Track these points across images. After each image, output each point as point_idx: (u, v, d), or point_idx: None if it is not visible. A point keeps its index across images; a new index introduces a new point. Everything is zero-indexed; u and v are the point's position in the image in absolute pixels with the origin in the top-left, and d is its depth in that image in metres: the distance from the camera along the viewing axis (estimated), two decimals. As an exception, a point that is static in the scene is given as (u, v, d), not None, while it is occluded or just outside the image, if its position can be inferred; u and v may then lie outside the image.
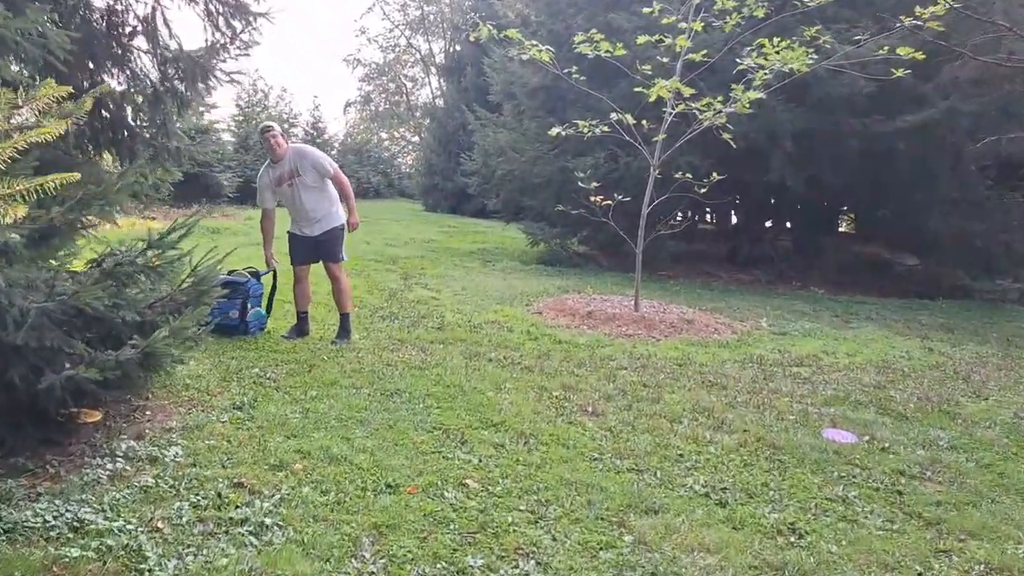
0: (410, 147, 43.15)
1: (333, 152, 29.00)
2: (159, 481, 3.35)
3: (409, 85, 43.03)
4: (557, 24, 12.67)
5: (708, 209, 16.13)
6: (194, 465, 3.55)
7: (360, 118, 43.86)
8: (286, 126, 26.16)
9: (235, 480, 3.42)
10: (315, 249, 6.25)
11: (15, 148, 2.68)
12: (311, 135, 27.70)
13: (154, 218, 14.21)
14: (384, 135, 43.42)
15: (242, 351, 5.65)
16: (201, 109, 18.63)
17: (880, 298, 11.40)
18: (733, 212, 16.27)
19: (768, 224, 14.92)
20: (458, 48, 28.50)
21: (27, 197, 3.45)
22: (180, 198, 17.08)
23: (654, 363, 6.30)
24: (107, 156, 4.73)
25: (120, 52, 4.26)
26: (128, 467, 3.44)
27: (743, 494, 3.78)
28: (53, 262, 4.17)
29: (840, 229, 17.59)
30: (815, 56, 7.44)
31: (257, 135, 6.10)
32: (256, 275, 6.37)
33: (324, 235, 6.20)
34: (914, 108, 10.34)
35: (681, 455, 4.25)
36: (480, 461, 3.90)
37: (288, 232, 6.36)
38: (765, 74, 7.31)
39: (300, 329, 6.33)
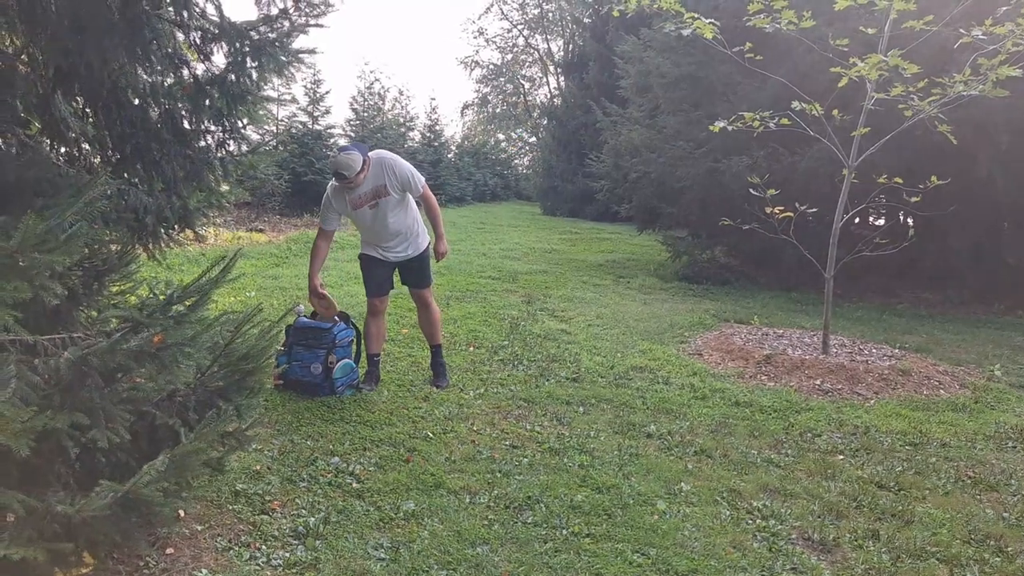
0: (527, 148, 41.96)
1: (450, 155, 28.01)
2: None
3: (526, 85, 41.81)
4: (703, 3, 10.89)
5: (874, 212, 13.88)
6: None
7: (477, 120, 43.00)
8: (403, 130, 25.28)
9: None
10: (399, 274, 5.11)
11: None
12: (428, 138, 26.75)
13: (261, 230, 13.35)
14: (501, 136, 42.41)
15: (323, 423, 4.29)
16: (299, 109, 17.94)
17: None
18: (902, 214, 13.94)
19: (953, 233, 12.55)
20: (580, 43, 26.91)
21: None
22: (291, 206, 16.33)
23: (877, 442, 4.55)
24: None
25: (136, 23, 2.97)
26: None
27: None
28: (101, 299, 2.95)
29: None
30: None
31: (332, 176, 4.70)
32: (346, 318, 5.02)
33: (413, 260, 5.01)
34: None
35: (1004, 657, 2.56)
36: None
37: (362, 255, 5.04)
38: (1017, 43, 5.38)
39: (376, 376, 5.07)
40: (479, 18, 55.65)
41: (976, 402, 5.48)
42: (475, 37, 53.27)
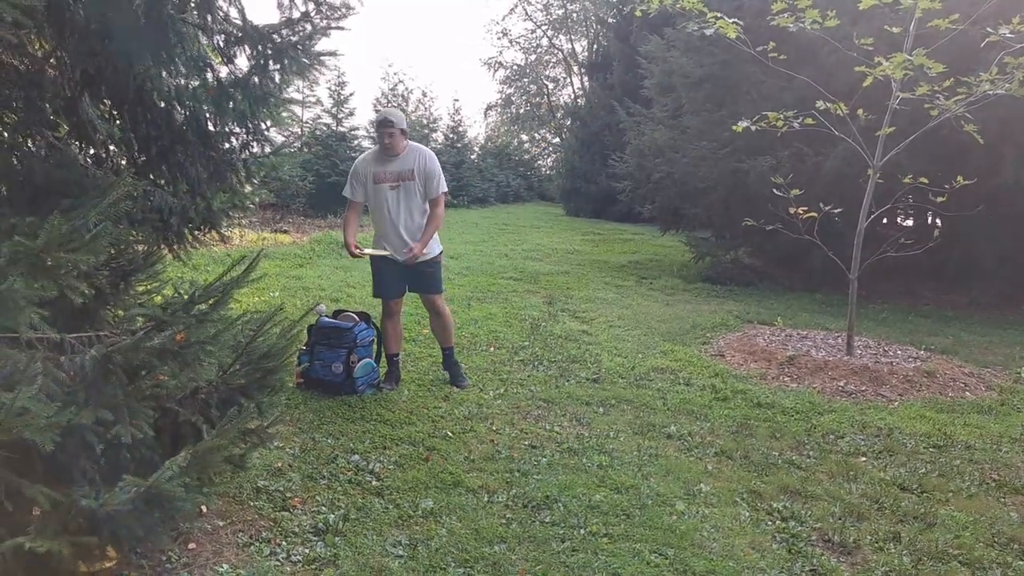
0: (550, 149, 41.93)
1: (473, 156, 28.06)
2: None
3: (550, 86, 41.77)
4: (727, 3, 10.83)
5: (902, 213, 13.71)
6: None
7: (500, 121, 43.01)
8: (426, 131, 25.35)
9: None
10: (408, 279, 5.02)
11: None
12: (451, 139, 26.82)
13: (285, 231, 13.46)
14: (524, 137, 42.40)
15: (344, 421, 4.33)
16: (324, 111, 18.07)
17: None
18: (930, 215, 13.75)
19: (980, 234, 12.35)
20: (604, 43, 26.84)
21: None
22: (315, 207, 16.44)
23: (900, 443, 4.50)
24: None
25: (161, 27, 3.03)
26: None
27: None
28: (126, 298, 3.01)
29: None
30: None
31: (374, 127, 5.17)
32: (366, 318, 5.06)
33: (422, 264, 4.92)
34: None
35: (1026, 662, 2.53)
36: None
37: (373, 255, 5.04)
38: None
39: (396, 375, 5.10)
40: (503, 19, 55.63)
41: (1002, 404, 5.41)
42: (499, 38, 53.27)
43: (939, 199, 6.10)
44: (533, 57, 40.57)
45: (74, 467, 2.18)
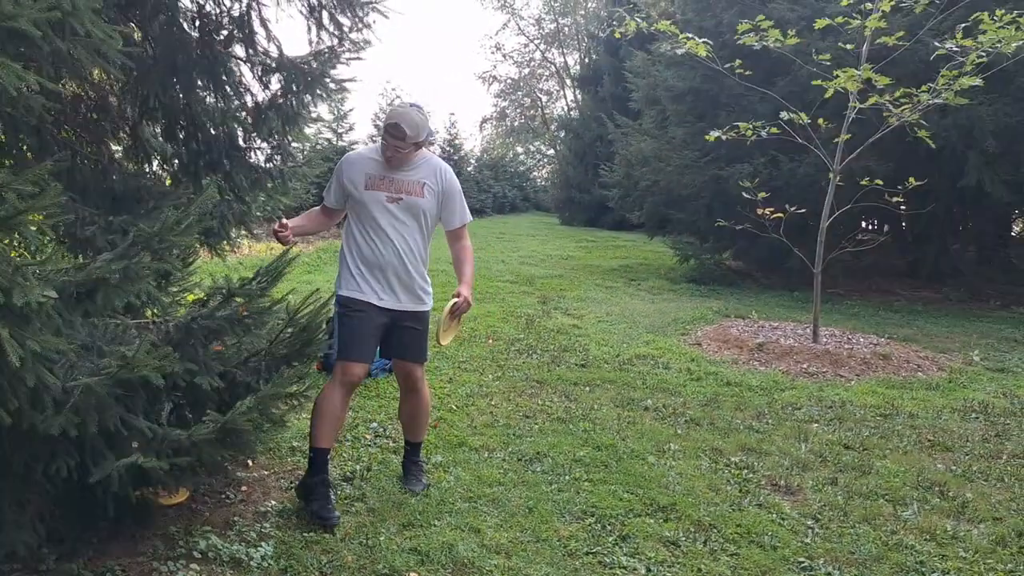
0: (545, 160, 42.68)
1: (469, 168, 28.76)
2: (239, 596, 2.63)
3: (544, 98, 42.55)
4: (706, 20, 11.54)
5: (876, 218, 14.39)
6: (285, 573, 2.80)
7: (496, 133, 43.77)
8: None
9: (332, 599, 2.64)
10: (386, 338, 3.50)
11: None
12: (447, 152, 27.54)
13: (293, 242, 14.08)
14: (519, 149, 43.15)
15: (361, 399, 4.94)
16: (324, 126, 18.79)
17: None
18: (903, 220, 14.42)
19: (953, 233, 13.04)
20: (595, 57, 27.63)
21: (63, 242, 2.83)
22: (318, 219, 17.06)
23: (851, 413, 5.12)
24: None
25: (213, 61, 3.65)
26: (204, 576, 2.73)
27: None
28: (164, 298, 3.60)
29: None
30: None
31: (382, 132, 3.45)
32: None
33: (412, 316, 3.49)
34: None
35: (920, 562, 3.14)
36: (649, 572, 2.95)
37: (342, 297, 3.49)
38: (980, 56, 5.96)
39: (318, 485, 3.32)
40: (496, 34, 56.50)
41: (950, 382, 6.03)
42: (492, 52, 54.14)
43: (894, 199, 6.74)
44: (526, 71, 41.35)
45: (164, 408, 2.79)
